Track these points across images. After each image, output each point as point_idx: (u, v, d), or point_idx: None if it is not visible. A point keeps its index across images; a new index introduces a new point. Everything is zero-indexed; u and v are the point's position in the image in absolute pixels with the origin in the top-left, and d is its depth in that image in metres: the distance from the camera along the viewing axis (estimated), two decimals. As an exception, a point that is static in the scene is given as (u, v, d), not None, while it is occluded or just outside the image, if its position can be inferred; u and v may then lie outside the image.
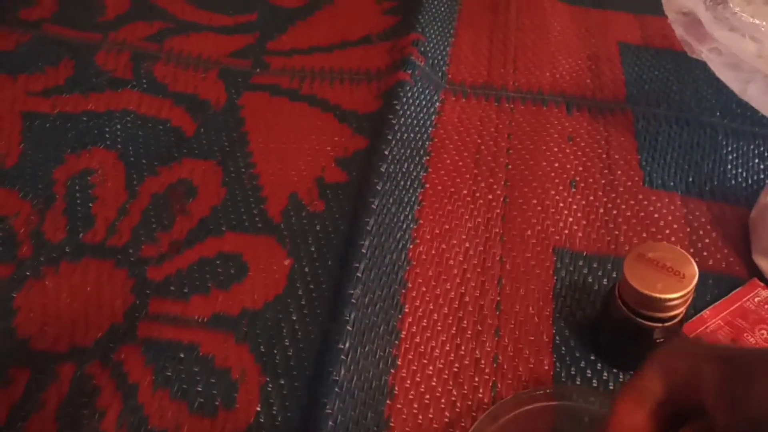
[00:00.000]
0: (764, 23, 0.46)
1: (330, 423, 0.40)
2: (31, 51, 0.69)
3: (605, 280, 0.48)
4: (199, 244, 0.51)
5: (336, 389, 0.41)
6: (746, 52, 0.45)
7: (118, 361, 0.44)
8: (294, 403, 0.42)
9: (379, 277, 0.47)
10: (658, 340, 0.41)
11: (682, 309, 0.38)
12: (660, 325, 0.39)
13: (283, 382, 0.43)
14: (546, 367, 0.44)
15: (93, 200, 0.55)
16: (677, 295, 0.37)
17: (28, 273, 0.49)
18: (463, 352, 0.45)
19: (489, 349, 0.45)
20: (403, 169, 0.54)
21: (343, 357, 0.42)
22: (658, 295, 0.37)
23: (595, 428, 0.39)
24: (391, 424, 0.41)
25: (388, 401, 0.42)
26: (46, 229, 0.53)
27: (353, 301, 0.45)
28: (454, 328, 0.46)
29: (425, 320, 0.46)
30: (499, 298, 0.48)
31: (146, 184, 0.56)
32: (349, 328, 0.43)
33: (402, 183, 0.54)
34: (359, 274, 0.46)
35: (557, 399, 0.40)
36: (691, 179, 0.55)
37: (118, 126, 0.61)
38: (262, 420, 0.41)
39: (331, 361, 0.42)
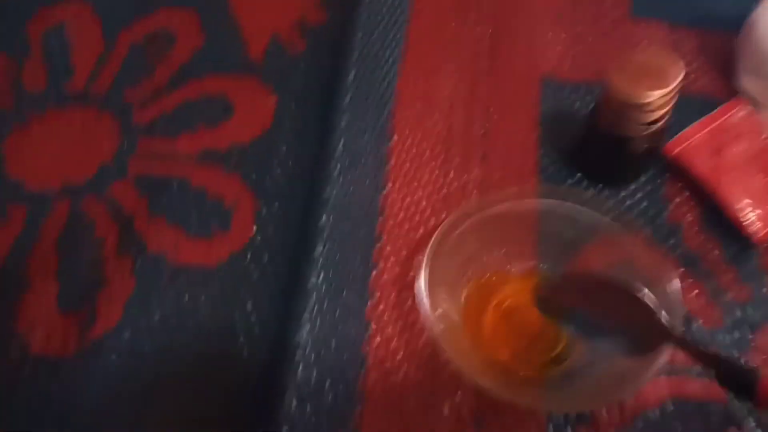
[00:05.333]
0: None
1: (325, 236, 0.41)
2: None
3: (591, 106, 0.48)
4: (182, 87, 0.50)
5: (328, 208, 0.42)
6: None
7: (111, 197, 0.45)
8: (289, 223, 0.43)
9: (366, 108, 0.47)
10: (641, 149, 0.41)
11: (664, 111, 0.39)
12: (643, 134, 0.39)
13: (278, 204, 0.44)
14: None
15: (71, 52, 0.53)
16: (660, 92, 0.37)
17: (13, 121, 0.49)
18: (451, 178, 0.45)
19: (476, 176, 0.46)
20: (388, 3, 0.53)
21: (335, 175, 0.43)
22: (642, 94, 0.37)
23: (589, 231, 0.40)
24: (383, 238, 0.42)
25: (380, 218, 0.43)
26: (25, 80, 0.52)
27: (342, 126, 0.45)
28: (442, 156, 0.46)
29: (414, 149, 0.47)
30: (486, 128, 0.48)
31: (123, 34, 0.54)
32: (341, 147, 0.44)
33: (386, 19, 0.52)
34: (345, 104, 0.46)
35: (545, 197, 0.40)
36: (678, 6, 0.54)
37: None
38: (259, 238, 0.42)
39: (324, 179, 0.43)
